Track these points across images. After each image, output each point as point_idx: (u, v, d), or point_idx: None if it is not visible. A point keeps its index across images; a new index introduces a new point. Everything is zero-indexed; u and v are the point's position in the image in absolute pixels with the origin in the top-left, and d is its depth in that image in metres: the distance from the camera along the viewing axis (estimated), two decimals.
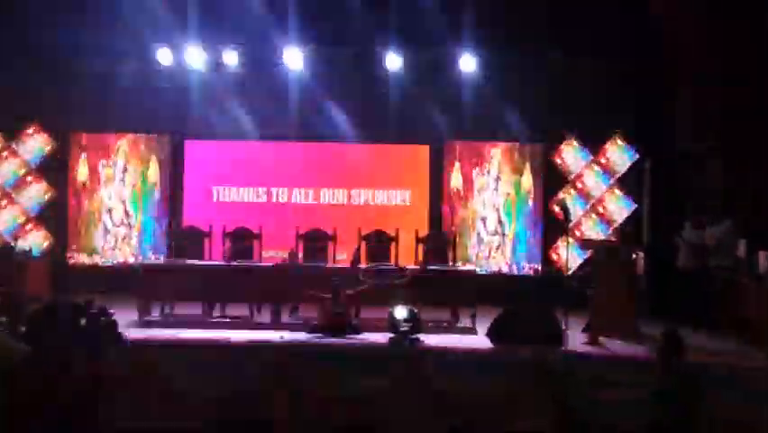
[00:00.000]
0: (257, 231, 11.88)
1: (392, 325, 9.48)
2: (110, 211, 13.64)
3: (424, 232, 12.48)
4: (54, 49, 12.98)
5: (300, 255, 11.52)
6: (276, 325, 10.35)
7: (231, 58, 13.20)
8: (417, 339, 9.30)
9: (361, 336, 9.68)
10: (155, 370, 8.83)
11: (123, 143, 13.68)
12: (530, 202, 13.56)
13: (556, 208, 12.76)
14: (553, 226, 13.04)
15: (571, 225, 12.02)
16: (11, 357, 4.69)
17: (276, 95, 13.64)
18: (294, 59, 13.15)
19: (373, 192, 13.73)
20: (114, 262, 13.55)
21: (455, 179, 13.64)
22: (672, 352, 6.25)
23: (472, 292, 10.64)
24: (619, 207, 13.24)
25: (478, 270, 12.26)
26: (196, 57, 13.14)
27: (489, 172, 13.64)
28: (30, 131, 13.34)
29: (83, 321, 4.75)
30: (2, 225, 13.15)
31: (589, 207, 13.31)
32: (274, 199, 13.73)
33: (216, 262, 11.42)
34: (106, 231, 13.62)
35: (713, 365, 8.58)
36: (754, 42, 11.26)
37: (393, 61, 13.15)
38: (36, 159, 13.37)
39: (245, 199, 13.70)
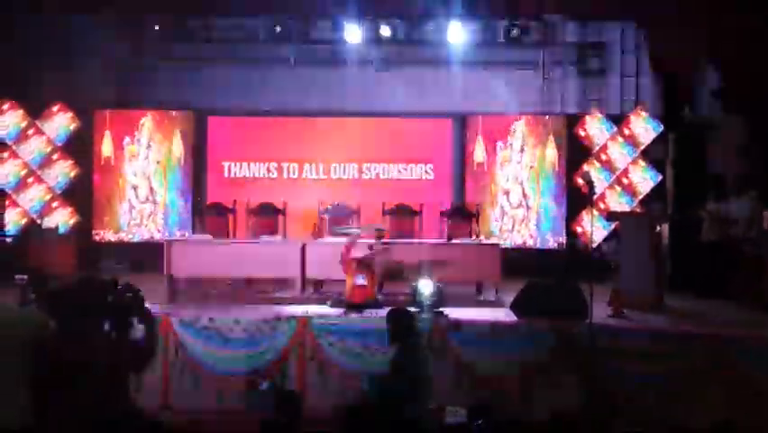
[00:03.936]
0: (281, 206, 11.95)
1: (416, 299, 9.49)
2: (135, 188, 13.72)
3: (447, 205, 12.49)
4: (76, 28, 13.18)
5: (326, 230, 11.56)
6: (301, 299, 10.40)
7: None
8: (441, 313, 9.30)
9: (385, 311, 9.67)
10: (182, 345, 8.94)
11: (146, 120, 13.74)
12: (554, 175, 13.52)
13: (580, 181, 12.68)
14: (577, 199, 12.98)
15: (595, 197, 11.96)
16: (40, 331, 4.74)
17: (298, 70, 13.75)
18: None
19: (397, 166, 13.72)
20: (140, 238, 13.65)
21: (478, 153, 13.61)
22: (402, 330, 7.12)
23: (496, 266, 10.62)
24: (644, 179, 13.17)
25: (502, 243, 12.20)
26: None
27: (512, 145, 13.60)
28: (54, 109, 13.41)
29: (110, 297, 4.77)
30: (28, 203, 13.26)
31: (613, 179, 13.25)
32: (294, 175, 13.76)
33: (244, 239, 11.53)
34: (132, 208, 13.71)
35: (737, 337, 8.56)
36: None
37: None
38: (61, 137, 13.45)
39: (267, 175, 13.75)
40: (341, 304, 9.73)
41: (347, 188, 13.48)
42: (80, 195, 13.56)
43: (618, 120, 13.31)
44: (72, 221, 13.37)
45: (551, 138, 13.51)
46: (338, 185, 13.59)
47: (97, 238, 13.62)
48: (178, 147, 13.72)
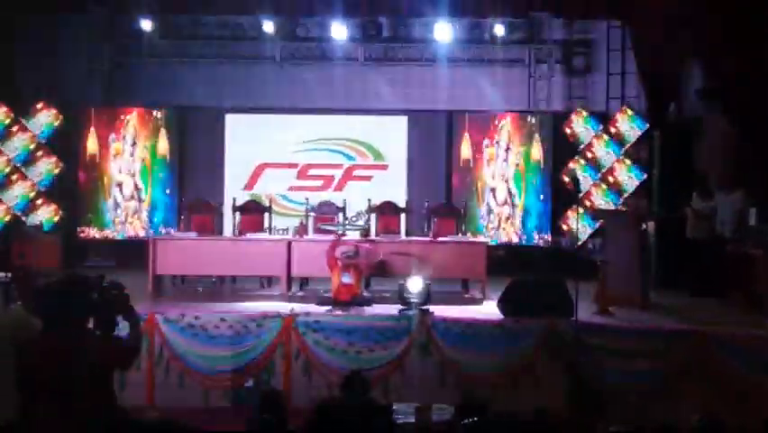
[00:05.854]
0: (267, 204, 11.94)
1: (402, 297, 9.48)
2: (120, 185, 13.65)
3: (433, 203, 12.48)
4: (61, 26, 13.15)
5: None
6: (286, 297, 10.38)
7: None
8: (427, 311, 9.30)
9: (371, 308, 9.69)
10: (167, 343, 8.90)
11: (131, 117, 13.66)
12: (540, 172, 13.51)
13: (566, 178, 12.73)
14: (563, 197, 12.98)
15: (581, 195, 12.00)
16: (26, 331, 4.72)
17: (285, 67, 13.77)
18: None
19: (383, 163, 13.70)
20: (125, 236, 13.59)
21: (465, 150, 13.59)
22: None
23: (482, 263, 10.63)
24: (629, 177, 13.18)
25: (488, 241, 12.19)
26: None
27: (498, 143, 13.59)
28: (39, 106, 13.33)
29: (95, 295, 4.74)
30: (13, 200, 13.17)
31: (599, 176, 13.26)
32: (280, 171, 13.72)
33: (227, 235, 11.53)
34: (117, 205, 13.64)
35: (723, 334, 8.59)
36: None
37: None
38: (46, 134, 13.37)
39: (252, 172, 13.70)
40: (326, 302, 9.72)
41: (333, 185, 13.47)
42: (65, 192, 13.49)
43: (604, 118, 13.34)
44: (57, 218, 13.29)
45: (537, 136, 13.50)
46: (324, 182, 13.56)
47: (82, 235, 13.54)
48: (163, 144, 13.65)
